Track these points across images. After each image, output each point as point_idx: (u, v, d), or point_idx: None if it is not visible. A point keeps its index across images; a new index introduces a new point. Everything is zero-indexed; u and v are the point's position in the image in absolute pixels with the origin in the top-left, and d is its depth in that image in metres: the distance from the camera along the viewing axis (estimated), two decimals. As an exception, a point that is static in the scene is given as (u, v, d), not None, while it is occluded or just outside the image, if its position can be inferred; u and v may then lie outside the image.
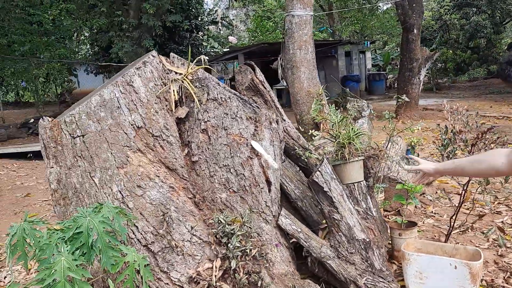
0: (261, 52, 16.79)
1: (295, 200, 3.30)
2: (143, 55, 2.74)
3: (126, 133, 2.43)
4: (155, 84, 2.60)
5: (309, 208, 3.28)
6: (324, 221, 3.01)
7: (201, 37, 19.48)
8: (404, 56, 11.32)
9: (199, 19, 17.94)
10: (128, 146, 2.43)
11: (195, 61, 2.81)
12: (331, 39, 22.23)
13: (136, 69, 2.52)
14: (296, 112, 5.55)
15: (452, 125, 3.01)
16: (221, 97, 2.72)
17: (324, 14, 22.87)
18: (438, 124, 3.24)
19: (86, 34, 16.88)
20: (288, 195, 3.33)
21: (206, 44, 21.54)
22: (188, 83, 2.66)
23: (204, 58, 2.77)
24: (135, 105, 2.48)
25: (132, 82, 2.49)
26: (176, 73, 2.73)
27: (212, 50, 22.95)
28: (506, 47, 25.60)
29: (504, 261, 3.45)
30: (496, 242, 3.68)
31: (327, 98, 16.19)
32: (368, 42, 20.97)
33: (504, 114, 11.88)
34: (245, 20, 27.07)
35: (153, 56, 2.64)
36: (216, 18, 20.45)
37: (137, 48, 11.88)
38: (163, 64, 2.71)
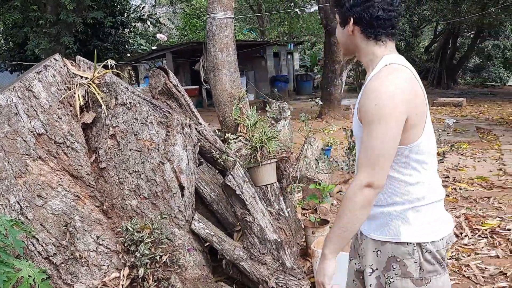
0: (190, 51, 16.62)
1: (210, 203, 3.32)
2: (62, 52, 2.62)
3: (25, 141, 2.31)
4: (58, 88, 2.49)
5: (225, 211, 3.32)
6: (238, 223, 3.06)
7: (127, 34, 18.90)
8: (327, 58, 11.77)
9: (125, 16, 17.38)
10: (27, 154, 2.31)
11: (102, 64, 2.74)
12: (260, 39, 22.53)
13: (36, 73, 2.41)
14: (219, 114, 5.56)
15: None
16: (130, 102, 2.67)
17: (253, 15, 23.14)
18: (345, 128, 3.41)
19: (0, 29, 15.72)
20: (204, 198, 3.34)
21: (133, 41, 20.93)
22: (95, 88, 2.58)
23: (111, 62, 2.70)
24: (35, 111, 2.37)
25: (32, 87, 2.37)
26: (82, 77, 2.63)
27: (139, 48, 22.36)
28: (423, 50, 27.49)
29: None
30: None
31: (257, 98, 16.30)
32: (292, 44, 21.52)
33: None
34: (173, 18, 26.65)
35: (56, 59, 2.53)
36: (143, 15, 19.93)
37: (55, 45, 11.25)
38: (67, 68, 2.61)
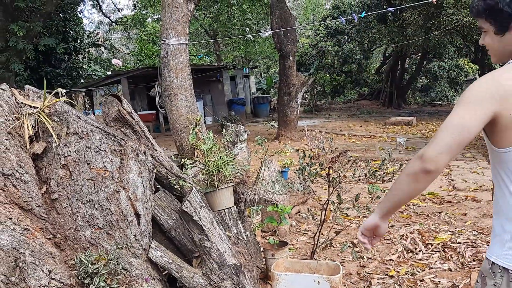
0: (145, 76, 16.50)
1: (168, 230, 3.28)
2: (12, 80, 2.55)
3: (-30, 174, 2.22)
4: (5, 119, 2.42)
5: (183, 237, 3.29)
6: (197, 250, 3.04)
7: (81, 60, 18.59)
8: (282, 81, 12.03)
9: (78, 42, 17.11)
10: (-28, 188, 2.22)
11: (52, 93, 2.69)
12: (216, 63, 22.74)
13: (-19, 103, 2.34)
14: (176, 139, 5.56)
15: (311, 149, 3.27)
16: (82, 131, 2.63)
17: (209, 40, 23.37)
18: (297, 150, 3.50)
19: None
20: (161, 225, 3.30)
21: (87, 67, 20.58)
22: (44, 117, 2.53)
23: (61, 91, 2.66)
24: (-19, 142, 2.28)
25: (-23, 118, 2.29)
26: (31, 106, 2.58)
27: (94, 74, 21.99)
28: (374, 71, 28.63)
29: (365, 271, 3.80)
30: (360, 254, 4.04)
31: (215, 121, 16.33)
32: (247, 68, 21.89)
33: (372, 133, 13.19)
34: (127, 43, 26.45)
35: (3, 89, 2.47)
36: (97, 40, 19.69)
37: (4, 73, 10.89)
38: (15, 98, 2.55)
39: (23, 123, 2.47)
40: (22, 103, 2.56)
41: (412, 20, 14.51)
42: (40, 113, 2.52)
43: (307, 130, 3.35)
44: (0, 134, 2.36)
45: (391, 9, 8.49)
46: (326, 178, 3.16)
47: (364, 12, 9.01)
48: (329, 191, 3.27)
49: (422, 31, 15.20)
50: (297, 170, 3.19)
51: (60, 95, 2.61)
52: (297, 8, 34.19)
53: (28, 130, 2.48)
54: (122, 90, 16.05)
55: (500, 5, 1.44)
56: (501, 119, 1.37)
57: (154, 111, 16.73)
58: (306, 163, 3.17)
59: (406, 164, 1.50)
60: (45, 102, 2.57)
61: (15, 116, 2.49)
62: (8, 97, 2.48)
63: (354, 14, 7.88)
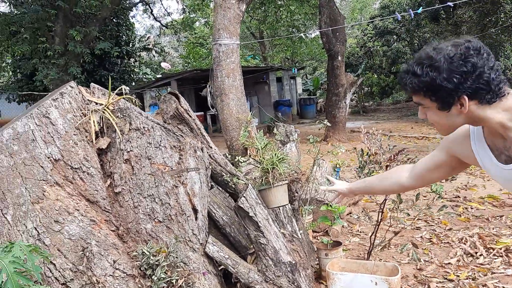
0: (194, 78, 16.85)
1: (223, 226, 3.32)
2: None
3: (42, 167, 2.35)
4: (74, 115, 2.54)
5: (238, 233, 3.31)
6: (252, 246, 3.05)
7: (132, 63, 19.22)
8: (331, 82, 11.89)
9: (130, 46, 17.73)
10: (44, 180, 2.34)
11: (116, 91, 2.79)
12: (262, 65, 22.83)
13: (52, 100, 2.46)
14: (226, 138, 5.62)
15: (368, 148, 3.21)
16: (143, 127, 2.71)
17: (256, 41, 23.52)
18: (355, 148, 3.44)
19: (8, 61, 16.04)
20: (216, 222, 3.34)
21: (138, 70, 21.26)
22: (109, 114, 2.63)
23: (125, 89, 2.76)
24: (52, 137, 2.41)
25: (49, 113, 2.42)
26: (96, 103, 2.69)
27: (144, 77, 22.69)
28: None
29: (423, 275, 3.67)
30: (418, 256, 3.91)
31: (261, 123, 16.40)
32: (295, 69, 21.80)
33: (424, 134, 12.76)
34: (177, 46, 27.11)
35: (71, 86, 2.59)
36: (148, 44, 20.30)
37: (63, 76, 11.46)
38: (82, 95, 2.67)
39: (90, 119, 2.58)
40: (88, 100, 2.67)
41: (467, 17, 13.95)
42: (105, 109, 2.62)
43: (364, 129, 3.29)
44: (69, 129, 2.47)
45: (450, 3, 8.17)
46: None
47: (421, 8, 8.73)
48: (386, 190, 3.18)
49: (478, 28, 14.57)
50: (357, 168, 3.13)
51: (123, 92, 2.70)
52: (344, 8, 33.76)
53: (94, 125, 2.58)
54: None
55: (438, 81, 1.30)
56: None
57: (202, 113, 17.02)
58: (365, 161, 3.11)
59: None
60: (109, 99, 2.68)
61: (82, 113, 2.60)
62: (76, 94, 2.60)
63: (410, 10, 7.66)
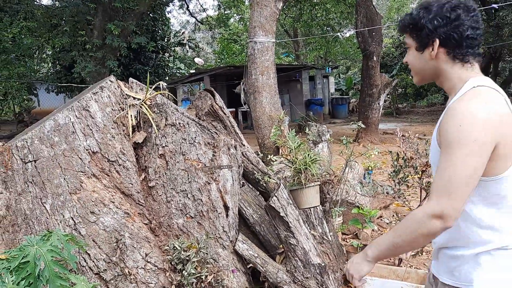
0: (227, 74, 16.94)
1: (253, 225, 3.32)
2: (106, 75, 2.75)
3: (80, 158, 2.40)
4: (112, 109, 2.59)
5: (267, 232, 3.31)
6: (281, 246, 3.04)
7: (167, 58, 19.50)
8: (365, 82, 11.70)
9: (165, 40, 17.98)
10: (82, 171, 2.40)
11: (153, 86, 2.83)
12: (295, 63, 22.72)
13: (93, 94, 2.52)
14: (258, 136, 5.62)
15: (403, 151, 3.13)
16: (179, 123, 2.74)
17: (289, 39, 23.43)
18: (390, 151, 3.37)
19: (48, 53, 16.56)
20: (246, 220, 3.34)
21: (172, 65, 21.55)
22: (146, 109, 2.67)
23: (162, 85, 2.79)
24: (90, 130, 2.46)
25: (89, 107, 2.48)
26: (134, 98, 2.73)
27: (178, 72, 22.98)
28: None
29: (455, 283, 3.56)
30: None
31: (292, 121, 16.34)
32: (330, 68, 21.55)
33: (459, 139, 12.37)
34: (211, 42, 27.33)
35: (111, 81, 2.64)
36: (183, 39, 20.55)
37: (100, 68, 11.74)
38: (121, 89, 2.72)
39: (127, 113, 2.63)
40: (126, 94, 2.72)
41: (509, 19, 13.43)
42: (142, 104, 2.66)
43: (400, 132, 3.21)
44: (107, 123, 2.53)
45: (495, 5, 7.90)
46: (419, 182, 3.01)
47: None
48: (421, 195, 3.11)
49: (521, 31, 14.00)
50: (391, 173, 3.07)
51: (161, 88, 2.73)
52: (381, 7, 33.15)
53: (131, 120, 2.63)
54: (204, 88, 16.61)
55: (423, 20, 1.41)
56: (498, 149, 1.29)
57: (233, 109, 17.09)
58: (400, 165, 3.04)
59: (412, 222, 1.35)
60: (147, 94, 2.71)
61: (120, 107, 2.65)
62: (115, 88, 2.65)
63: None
